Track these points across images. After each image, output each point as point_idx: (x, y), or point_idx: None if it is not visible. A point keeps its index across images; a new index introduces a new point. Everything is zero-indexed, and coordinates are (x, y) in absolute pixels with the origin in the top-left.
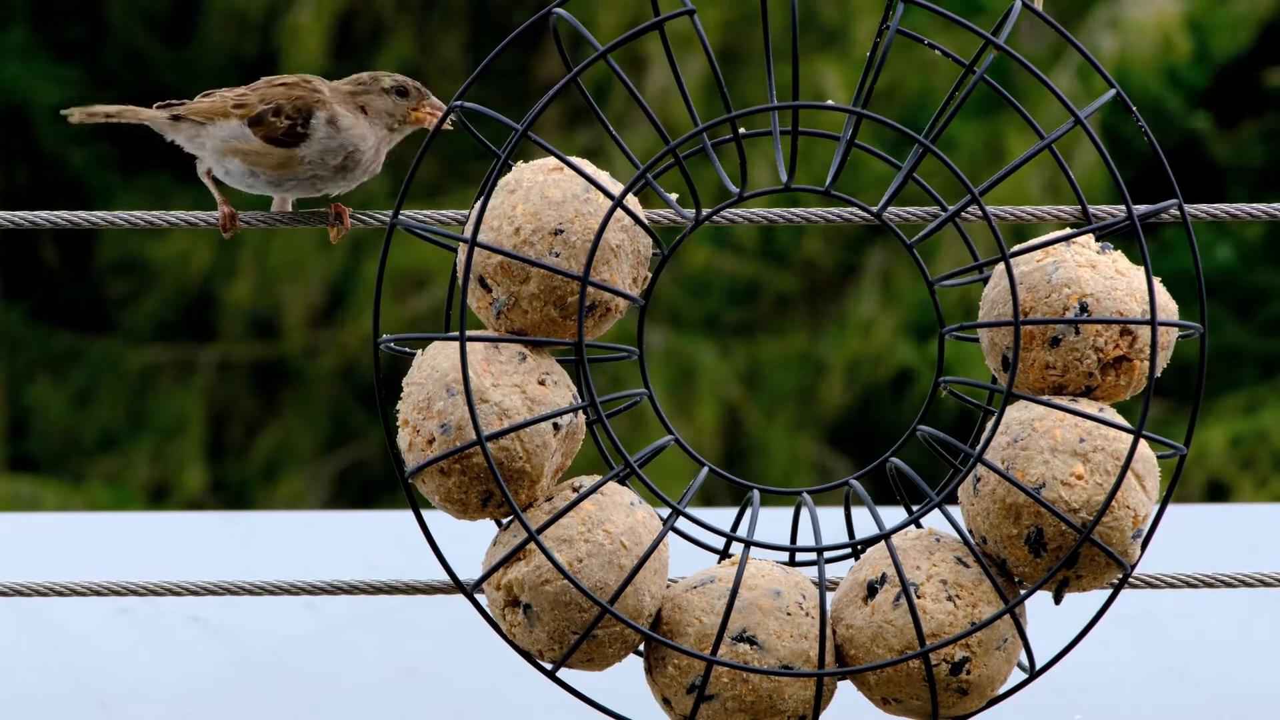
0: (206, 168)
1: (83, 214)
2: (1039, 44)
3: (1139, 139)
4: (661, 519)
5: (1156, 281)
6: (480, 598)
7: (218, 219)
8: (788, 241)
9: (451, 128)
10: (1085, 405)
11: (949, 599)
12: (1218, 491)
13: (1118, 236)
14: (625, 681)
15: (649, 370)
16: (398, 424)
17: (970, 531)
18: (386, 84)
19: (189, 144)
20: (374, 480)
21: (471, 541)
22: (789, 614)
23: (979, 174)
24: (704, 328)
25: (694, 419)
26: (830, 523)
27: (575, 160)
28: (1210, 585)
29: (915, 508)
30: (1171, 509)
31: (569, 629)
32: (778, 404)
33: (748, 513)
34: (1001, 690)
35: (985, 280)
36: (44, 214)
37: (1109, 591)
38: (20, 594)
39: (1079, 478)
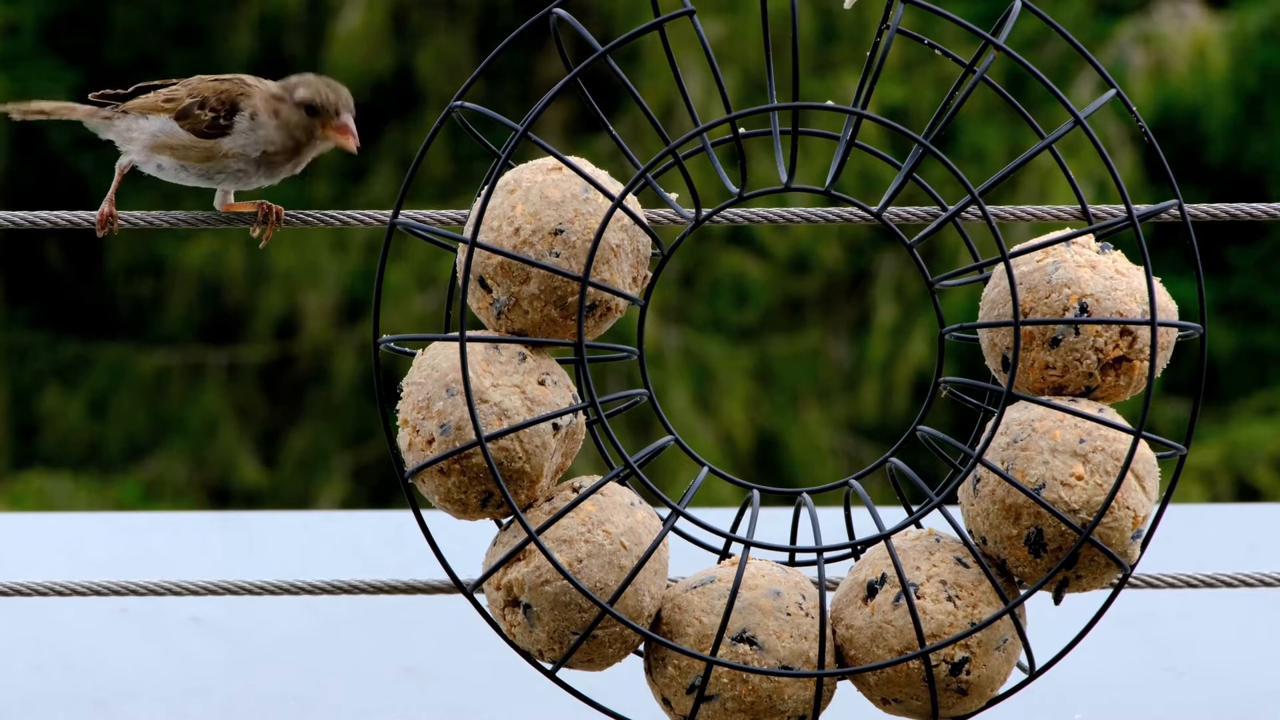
0: (126, 161)
1: (83, 214)
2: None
3: (1207, 153)
4: (661, 519)
5: (1156, 281)
6: (480, 598)
7: (95, 218)
8: (811, 242)
9: (356, 150)
10: (1085, 406)
11: (949, 599)
12: (1249, 492)
13: (1162, 244)
14: (625, 681)
15: (668, 371)
16: (398, 424)
17: (970, 532)
18: (299, 96)
19: (122, 143)
20: (381, 481)
21: (471, 541)
22: (789, 614)
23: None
24: (722, 328)
25: (718, 418)
26: (830, 523)
27: (574, 160)
28: (1210, 585)
29: (915, 508)
30: (1171, 509)
31: (569, 629)
32: (800, 403)
33: (748, 513)
34: (1001, 690)
35: (985, 280)
36: (44, 214)
37: (1109, 591)
38: (20, 594)
39: (1079, 478)
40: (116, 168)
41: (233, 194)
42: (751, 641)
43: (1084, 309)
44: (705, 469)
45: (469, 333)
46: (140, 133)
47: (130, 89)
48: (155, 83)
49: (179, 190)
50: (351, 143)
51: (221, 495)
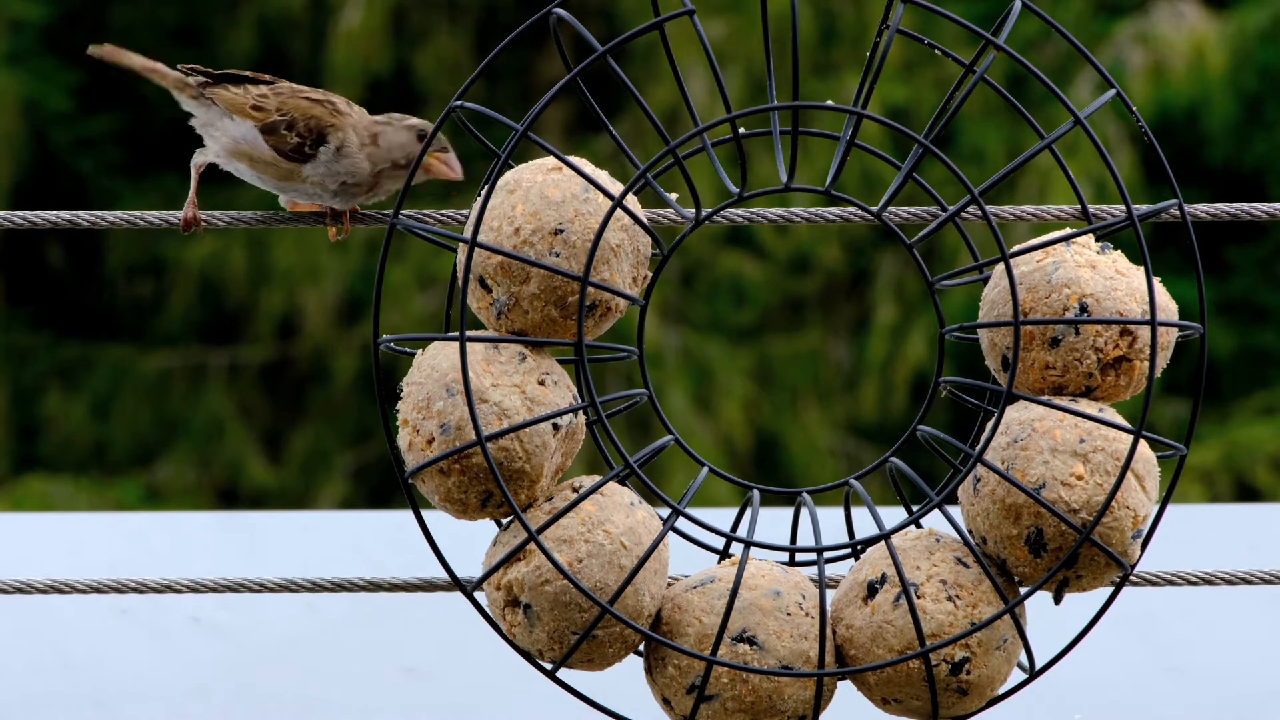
0: (204, 160)
1: (83, 214)
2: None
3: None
4: (661, 519)
5: (1156, 281)
6: (480, 598)
7: (179, 219)
8: (811, 242)
9: (460, 175)
10: (1085, 405)
11: (949, 599)
12: (1249, 492)
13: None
14: (625, 681)
15: (668, 371)
16: (398, 424)
17: (970, 531)
18: (410, 122)
19: (202, 129)
20: (381, 481)
21: (471, 541)
22: (789, 614)
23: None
24: (721, 328)
25: (717, 418)
26: (830, 523)
27: (575, 160)
28: (1210, 581)
29: (915, 508)
30: (1171, 509)
31: (569, 629)
32: (799, 403)
33: (748, 513)
34: (1001, 690)
35: (985, 280)
36: (43, 214)
37: (1109, 591)
38: (20, 590)
39: (1079, 478)
40: (192, 166)
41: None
42: (751, 641)
43: (1084, 309)
44: (705, 469)
45: (469, 333)
46: (223, 134)
47: (220, 72)
48: (246, 74)
49: (180, 189)
50: (453, 173)
51: (227, 496)
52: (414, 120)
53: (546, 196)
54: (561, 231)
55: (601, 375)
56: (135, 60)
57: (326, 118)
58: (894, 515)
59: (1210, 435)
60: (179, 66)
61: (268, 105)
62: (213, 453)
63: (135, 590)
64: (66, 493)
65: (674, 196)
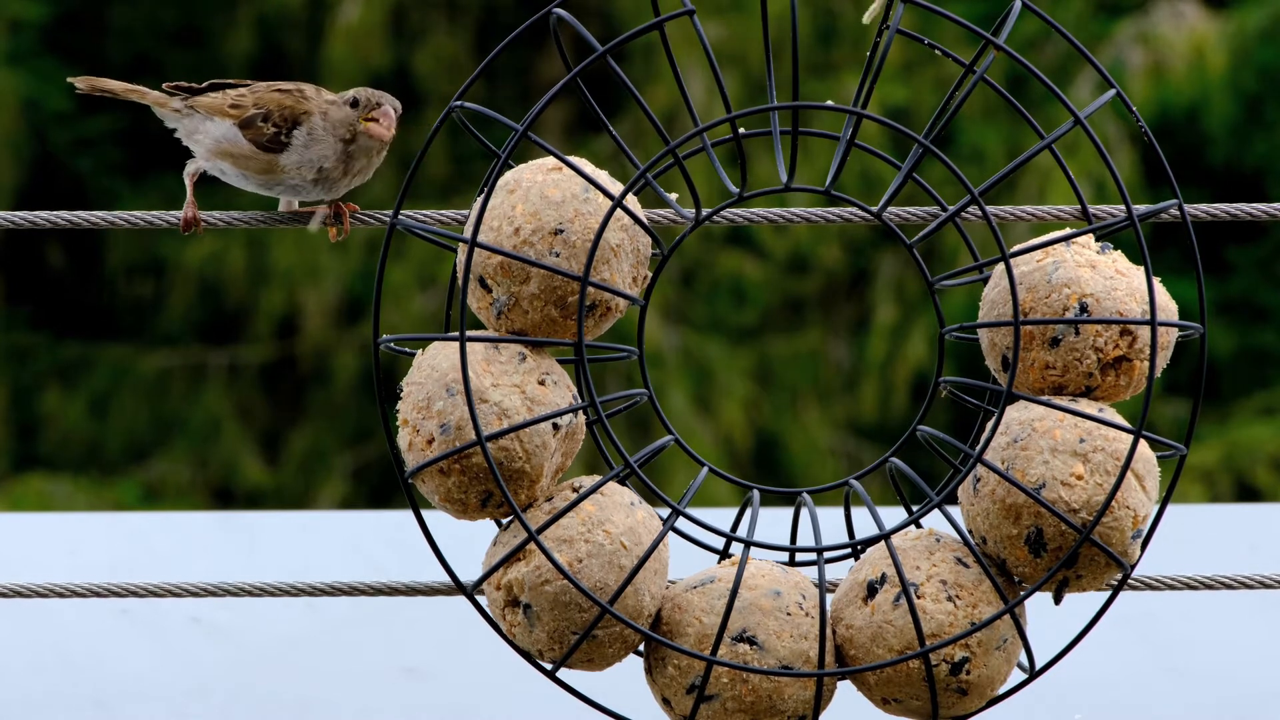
0: (195, 168)
1: (83, 214)
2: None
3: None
4: (661, 519)
5: (1156, 281)
6: (480, 598)
7: (179, 219)
8: (811, 242)
9: (391, 133)
10: (1085, 405)
11: (949, 599)
12: (1249, 492)
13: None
14: (625, 681)
15: (668, 371)
16: (397, 424)
17: (970, 531)
18: (346, 96)
19: (186, 138)
20: (381, 481)
21: (471, 541)
22: (789, 614)
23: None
24: (722, 328)
25: (717, 418)
26: (830, 523)
27: (574, 160)
28: (1210, 586)
29: (915, 508)
30: (1171, 509)
31: (569, 629)
32: (799, 403)
33: (748, 513)
34: (1001, 690)
35: (985, 280)
36: (44, 214)
37: (1109, 592)
38: (20, 594)
39: (1079, 478)
40: (185, 176)
41: (297, 202)
42: (751, 641)
43: (1084, 309)
44: (705, 469)
45: (469, 332)
46: (205, 136)
47: (204, 84)
48: (229, 81)
49: (180, 189)
50: (381, 130)
51: (224, 496)
52: (349, 92)
53: (546, 196)
54: (561, 231)
55: (601, 375)
56: (116, 85)
57: (296, 105)
58: (894, 515)
59: (1210, 435)
60: (163, 86)
61: (244, 103)
62: (209, 452)
63: (135, 593)
64: (65, 492)
65: (674, 196)
